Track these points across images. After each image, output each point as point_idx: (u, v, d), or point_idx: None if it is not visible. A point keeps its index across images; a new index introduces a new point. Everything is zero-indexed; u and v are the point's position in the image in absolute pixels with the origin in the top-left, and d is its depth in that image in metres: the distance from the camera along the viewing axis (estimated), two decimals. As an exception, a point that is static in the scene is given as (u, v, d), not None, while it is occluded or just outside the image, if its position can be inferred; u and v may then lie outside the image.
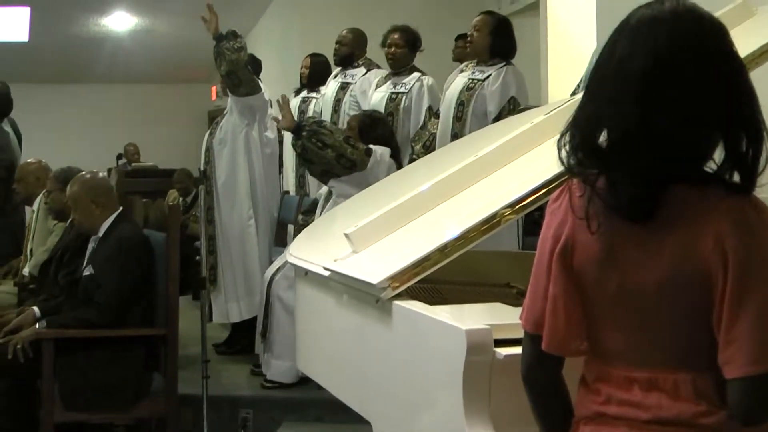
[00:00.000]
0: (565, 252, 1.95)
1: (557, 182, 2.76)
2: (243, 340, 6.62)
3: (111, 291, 4.89)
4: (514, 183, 3.01)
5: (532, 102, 7.70)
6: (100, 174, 5.44)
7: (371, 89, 7.05)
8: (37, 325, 4.90)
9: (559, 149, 1.97)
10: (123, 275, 4.92)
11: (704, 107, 1.82)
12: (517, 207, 2.85)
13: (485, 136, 4.18)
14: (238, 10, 11.63)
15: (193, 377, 5.58)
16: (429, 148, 6.29)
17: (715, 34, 1.87)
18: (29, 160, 6.93)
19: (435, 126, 6.39)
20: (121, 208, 5.23)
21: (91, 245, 5.15)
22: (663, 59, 1.82)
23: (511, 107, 5.85)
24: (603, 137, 1.89)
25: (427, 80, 6.70)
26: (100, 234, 5.09)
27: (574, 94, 4.84)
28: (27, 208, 7.18)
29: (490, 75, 5.98)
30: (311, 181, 7.29)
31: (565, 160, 1.96)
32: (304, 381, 5.52)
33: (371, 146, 5.64)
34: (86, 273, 5.03)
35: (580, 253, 1.94)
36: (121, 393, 4.88)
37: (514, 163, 3.27)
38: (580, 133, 1.92)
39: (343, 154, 5.52)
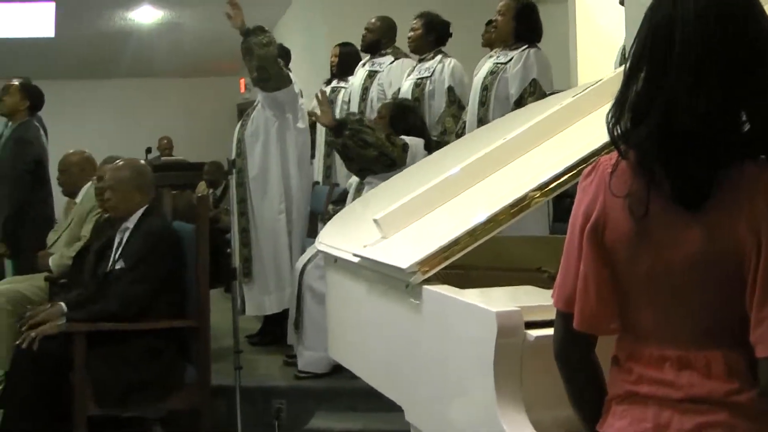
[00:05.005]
0: (596, 229, 1.93)
1: (586, 164, 2.74)
2: (275, 331, 6.61)
3: (134, 284, 4.90)
4: (543, 166, 2.98)
5: (561, 87, 7.67)
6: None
7: (402, 79, 7.03)
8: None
9: (611, 130, 1.93)
10: (147, 269, 4.93)
11: (750, 84, 1.80)
12: (546, 189, 2.83)
13: (514, 119, 4.16)
14: (264, 1, 11.61)
15: (226, 369, 5.59)
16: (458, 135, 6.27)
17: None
18: (71, 151, 6.84)
19: (457, 113, 6.38)
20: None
21: (118, 237, 5.15)
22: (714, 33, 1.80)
23: (532, 90, 5.78)
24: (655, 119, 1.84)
25: (449, 61, 6.66)
26: (130, 226, 5.10)
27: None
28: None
29: (512, 58, 5.93)
30: (340, 171, 7.29)
31: (617, 140, 1.92)
32: (337, 370, 5.53)
33: (406, 140, 5.60)
34: (118, 267, 5.04)
35: (611, 230, 1.92)
36: (154, 385, 4.88)
37: (543, 146, 3.25)
38: (633, 112, 1.89)
39: (385, 153, 5.49)
